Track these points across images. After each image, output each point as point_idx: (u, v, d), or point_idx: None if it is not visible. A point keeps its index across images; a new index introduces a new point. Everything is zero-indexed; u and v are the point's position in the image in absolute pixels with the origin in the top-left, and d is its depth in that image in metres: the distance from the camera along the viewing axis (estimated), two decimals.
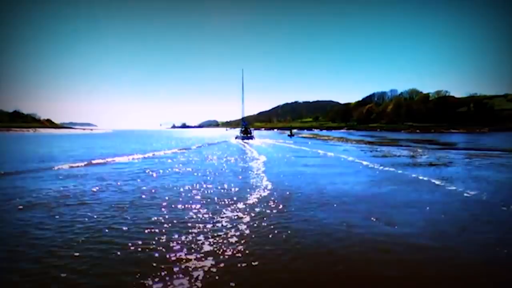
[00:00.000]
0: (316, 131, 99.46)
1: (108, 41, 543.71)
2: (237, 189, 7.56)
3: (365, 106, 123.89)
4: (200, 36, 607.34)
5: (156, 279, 3.06)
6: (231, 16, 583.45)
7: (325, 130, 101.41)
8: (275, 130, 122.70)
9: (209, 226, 4.67)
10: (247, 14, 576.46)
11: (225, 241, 4.06)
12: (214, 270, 3.27)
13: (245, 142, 31.23)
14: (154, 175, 9.76)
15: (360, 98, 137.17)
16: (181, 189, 7.47)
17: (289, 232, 4.45)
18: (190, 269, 3.28)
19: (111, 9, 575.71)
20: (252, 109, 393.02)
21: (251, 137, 36.15)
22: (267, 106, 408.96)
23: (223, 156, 16.61)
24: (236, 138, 37.69)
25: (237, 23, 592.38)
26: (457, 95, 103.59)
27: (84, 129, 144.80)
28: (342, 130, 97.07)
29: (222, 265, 3.39)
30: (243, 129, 39.26)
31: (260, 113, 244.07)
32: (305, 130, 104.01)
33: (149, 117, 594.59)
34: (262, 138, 40.32)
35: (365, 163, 13.08)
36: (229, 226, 4.68)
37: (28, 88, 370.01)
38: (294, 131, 64.79)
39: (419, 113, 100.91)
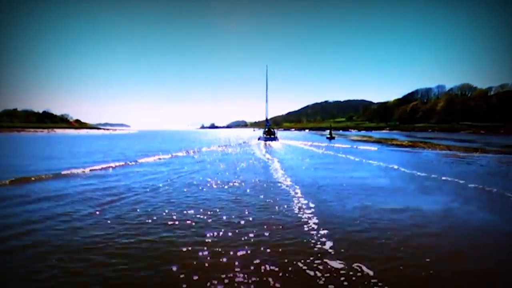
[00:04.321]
0: (354, 131, 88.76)
1: (148, 44, 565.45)
2: None
3: (407, 104, 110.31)
4: (228, 36, 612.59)
5: None
6: (258, 16, 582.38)
7: (364, 131, 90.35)
8: (306, 130, 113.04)
9: None
10: (274, 14, 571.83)
11: None
12: None
13: (267, 146, 24.88)
14: None
15: (396, 96, 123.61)
16: None
17: None
18: None
19: (150, 8, 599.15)
20: (281, 110, 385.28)
21: (274, 138, 34.17)
22: (296, 106, 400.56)
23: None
24: (258, 139, 35.63)
25: (264, 23, 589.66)
26: None
27: (107, 129, 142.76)
28: (384, 131, 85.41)
29: None
30: (266, 129, 37.37)
31: (289, 113, 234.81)
32: (340, 131, 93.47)
33: (181, 117, 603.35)
34: (292, 140, 32.78)
35: None
36: None
37: (71, 90, 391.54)
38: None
39: (478, 110, 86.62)
